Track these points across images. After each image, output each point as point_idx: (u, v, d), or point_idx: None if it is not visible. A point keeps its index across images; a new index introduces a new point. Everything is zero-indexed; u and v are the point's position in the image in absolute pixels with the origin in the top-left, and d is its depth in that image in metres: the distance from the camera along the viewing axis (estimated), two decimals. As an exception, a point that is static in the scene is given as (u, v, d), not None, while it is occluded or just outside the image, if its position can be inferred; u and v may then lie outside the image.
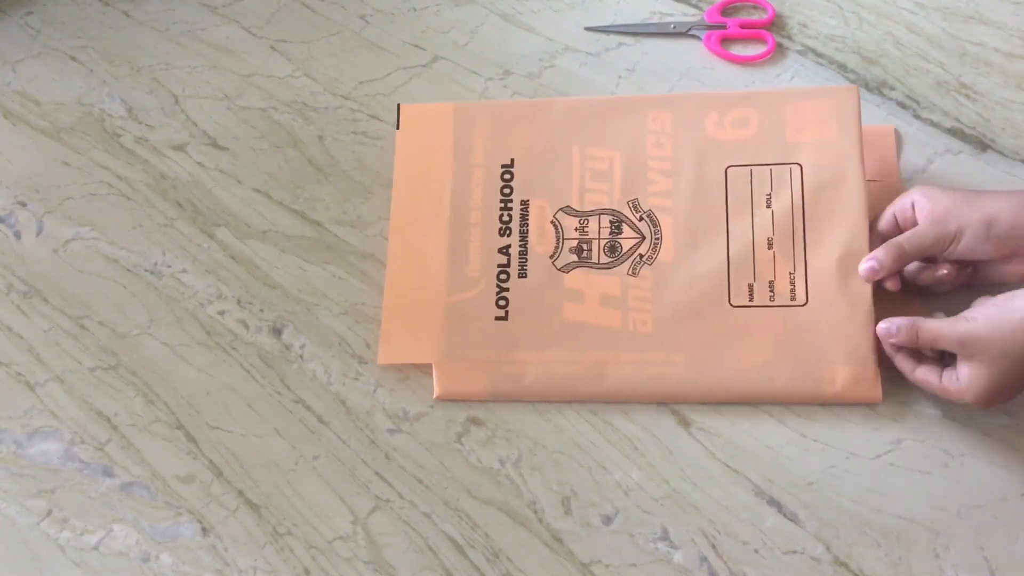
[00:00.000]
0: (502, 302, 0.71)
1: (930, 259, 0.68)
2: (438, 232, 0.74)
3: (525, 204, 0.74)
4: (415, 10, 0.89)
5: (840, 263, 0.68)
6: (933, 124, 0.78)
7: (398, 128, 0.78)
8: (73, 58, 0.89)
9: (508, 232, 0.73)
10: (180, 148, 0.83)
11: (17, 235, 0.79)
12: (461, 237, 0.73)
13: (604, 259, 0.71)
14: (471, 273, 0.72)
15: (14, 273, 0.77)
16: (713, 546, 0.64)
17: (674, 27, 0.86)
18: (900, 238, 0.67)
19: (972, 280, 0.69)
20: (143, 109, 0.85)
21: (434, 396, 0.69)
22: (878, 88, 0.81)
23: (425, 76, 0.85)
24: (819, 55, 0.83)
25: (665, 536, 0.64)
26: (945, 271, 0.67)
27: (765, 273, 0.69)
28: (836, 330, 0.67)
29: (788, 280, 0.69)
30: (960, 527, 0.63)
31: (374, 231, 0.77)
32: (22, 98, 0.87)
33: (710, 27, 0.85)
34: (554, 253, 0.72)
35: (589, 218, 0.73)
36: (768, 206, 0.71)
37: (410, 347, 0.71)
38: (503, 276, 0.72)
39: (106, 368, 0.73)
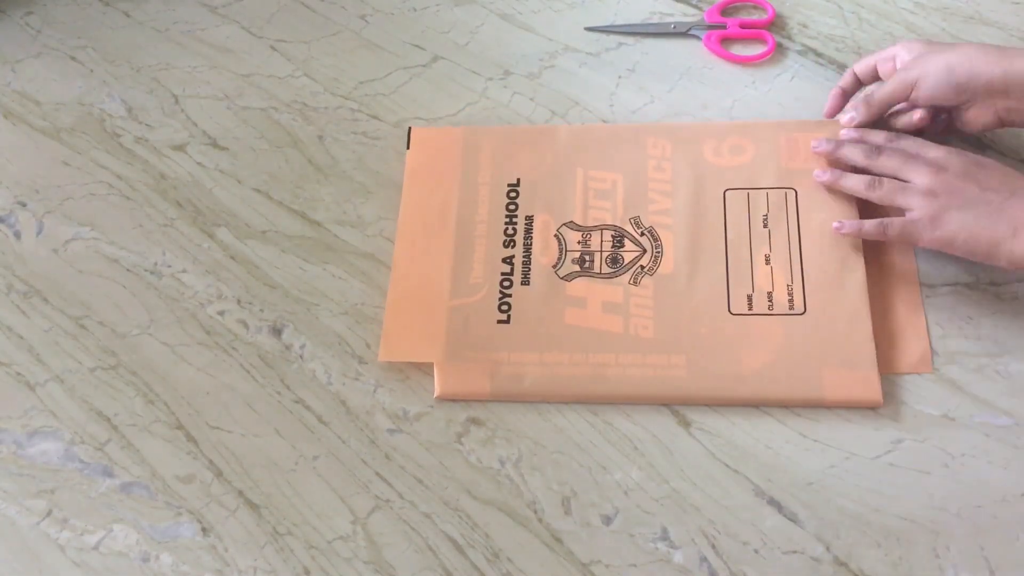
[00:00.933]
0: (504, 307, 0.72)
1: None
2: (443, 241, 0.75)
3: (529, 219, 0.75)
4: (415, 10, 0.89)
5: (837, 277, 0.71)
6: (933, 124, 0.78)
7: (408, 148, 0.79)
8: (73, 58, 0.89)
9: (512, 244, 0.74)
10: (180, 148, 0.83)
11: (17, 235, 0.79)
12: (466, 247, 0.74)
13: (606, 269, 0.73)
14: (474, 279, 0.73)
15: (14, 273, 0.77)
16: (713, 546, 0.64)
17: (674, 27, 0.86)
18: (867, 91, 0.75)
19: (947, 128, 0.75)
20: (143, 109, 0.85)
21: (435, 395, 0.69)
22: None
23: (425, 76, 0.85)
24: (819, 55, 0.83)
25: (665, 536, 0.64)
26: (918, 116, 0.73)
27: (763, 285, 0.71)
28: (835, 336, 0.69)
29: (786, 291, 0.71)
30: (960, 527, 0.63)
31: (374, 231, 0.77)
32: (22, 98, 0.87)
33: (710, 27, 0.85)
34: (557, 263, 0.73)
35: (592, 232, 0.74)
36: (765, 226, 0.73)
37: (411, 346, 0.71)
38: (506, 283, 0.73)
39: (106, 368, 0.73)
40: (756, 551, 0.63)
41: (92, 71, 0.88)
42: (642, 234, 0.74)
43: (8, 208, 0.81)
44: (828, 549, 0.63)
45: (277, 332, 0.73)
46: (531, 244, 0.74)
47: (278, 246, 0.77)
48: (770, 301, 0.70)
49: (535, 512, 0.66)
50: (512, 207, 0.76)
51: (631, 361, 0.69)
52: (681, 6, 0.87)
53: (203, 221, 0.79)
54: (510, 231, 0.75)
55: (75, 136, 0.84)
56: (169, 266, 0.77)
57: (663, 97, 0.82)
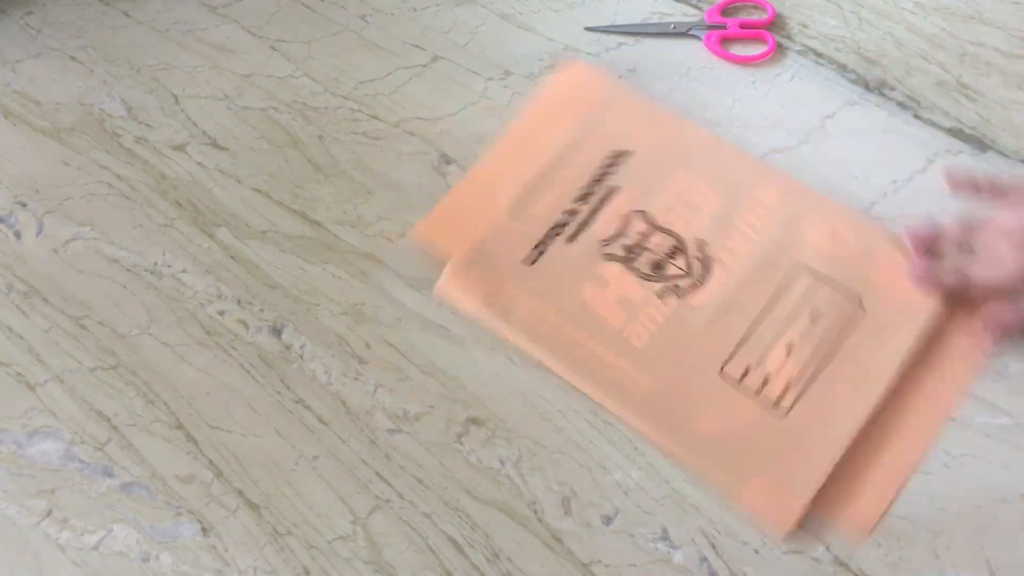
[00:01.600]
0: (539, 250, 0.73)
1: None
2: (533, 162, 0.77)
3: (612, 190, 0.76)
4: (415, 10, 0.89)
5: (835, 405, 0.66)
6: (933, 124, 0.78)
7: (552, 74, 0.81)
8: (73, 58, 0.89)
9: (584, 201, 0.75)
10: (180, 148, 0.83)
11: (17, 235, 0.79)
12: (548, 179, 0.76)
13: (645, 270, 0.73)
14: (534, 210, 0.75)
15: (14, 273, 0.77)
16: (713, 546, 0.64)
17: (674, 27, 0.86)
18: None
19: None
20: (143, 109, 0.85)
21: (434, 291, 0.72)
22: (878, 88, 0.81)
23: (425, 76, 0.85)
24: (819, 55, 0.83)
25: (665, 536, 0.64)
26: None
27: (767, 367, 0.68)
28: (793, 453, 0.65)
29: (783, 387, 0.67)
30: (960, 527, 0.63)
31: (374, 231, 0.77)
32: (22, 98, 0.87)
33: (710, 27, 0.85)
34: (609, 240, 0.74)
35: (657, 233, 0.74)
36: (812, 322, 0.69)
37: (444, 235, 0.74)
38: (556, 232, 0.74)
39: (106, 368, 0.73)
40: (756, 551, 0.63)
41: (92, 71, 0.88)
42: (698, 259, 0.73)
43: (8, 208, 0.81)
44: (828, 549, 0.63)
45: (277, 332, 0.73)
46: (599, 211, 0.75)
47: (278, 246, 0.77)
48: (763, 385, 0.67)
49: (535, 512, 0.65)
50: (606, 172, 0.77)
51: (604, 355, 0.69)
52: (681, 6, 0.87)
53: (203, 221, 0.79)
54: (590, 190, 0.76)
55: (75, 136, 0.84)
56: (169, 266, 0.77)
57: (663, 97, 0.82)
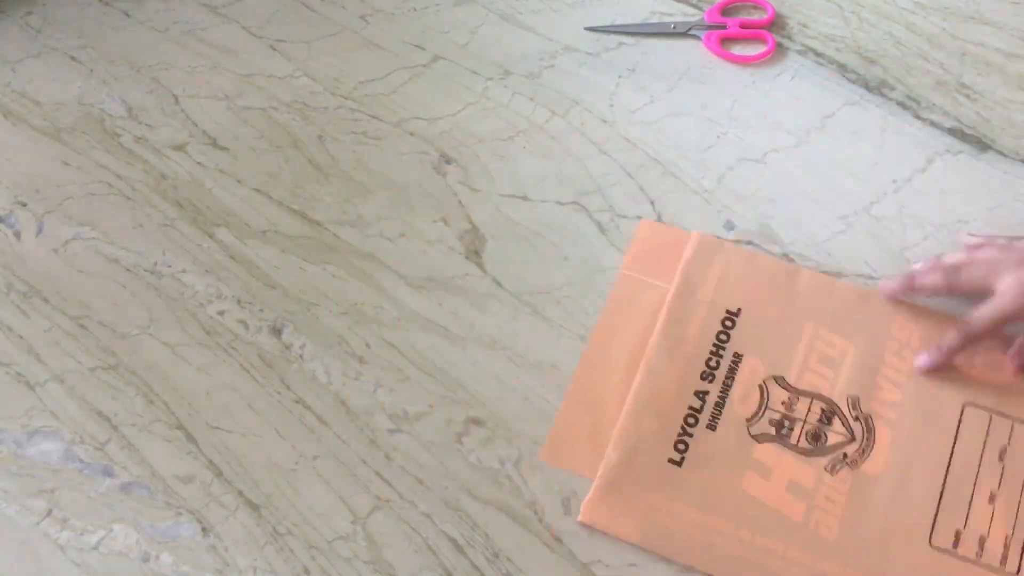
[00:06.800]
0: (681, 446, 0.65)
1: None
2: (640, 349, 0.69)
3: (738, 358, 0.67)
4: (415, 10, 0.89)
5: None
6: (933, 124, 0.78)
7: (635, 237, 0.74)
8: (73, 58, 0.89)
9: (711, 378, 0.67)
10: (180, 148, 0.83)
11: (17, 235, 0.79)
12: (663, 364, 0.68)
13: (804, 444, 0.64)
14: (660, 404, 0.66)
15: (14, 273, 0.77)
16: (713, 546, 0.64)
17: (674, 27, 0.86)
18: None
19: None
20: (143, 109, 0.85)
21: (578, 519, 0.64)
22: (878, 88, 0.81)
23: (425, 76, 0.85)
24: (819, 55, 0.83)
25: (665, 536, 0.64)
26: None
27: (977, 526, 0.61)
28: None
29: (1003, 543, 0.61)
30: (960, 527, 0.63)
31: (374, 231, 0.77)
32: (22, 98, 0.87)
33: (710, 27, 0.85)
34: (752, 417, 0.65)
35: (801, 397, 0.66)
36: (1000, 459, 0.63)
37: (574, 456, 0.66)
38: (691, 420, 0.65)
39: (106, 368, 0.73)
40: (756, 551, 0.63)
41: (92, 71, 0.88)
42: (856, 419, 0.65)
43: (8, 208, 0.81)
44: (828, 549, 0.63)
45: (277, 332, 0.73)
46: (731, 386, 0.66)
47: (278, 246, 0.77)
48: (980, 548, 0.60)
49: (535, 512, 0.65)
50: (724, 337, 0.68)
51: (800, 559, 0.61)
52: (681, 6, 0.87)
53: (203, 221, 0.79)
54: (713, 363, 0.67)
55: (75, 136, 0.84)
56: (169, 266, 0.77)
57: (663, 97, 0.82)
